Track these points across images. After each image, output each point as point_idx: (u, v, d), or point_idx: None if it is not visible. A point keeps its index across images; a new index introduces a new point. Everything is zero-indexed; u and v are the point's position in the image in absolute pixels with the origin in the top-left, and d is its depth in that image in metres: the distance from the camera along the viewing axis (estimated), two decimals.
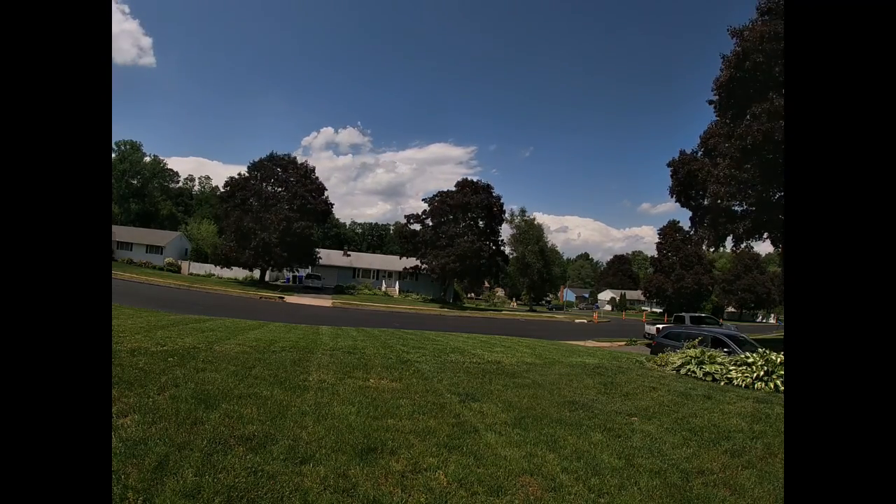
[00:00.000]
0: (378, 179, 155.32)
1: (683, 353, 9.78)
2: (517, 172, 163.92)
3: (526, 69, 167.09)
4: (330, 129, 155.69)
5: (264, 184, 40.74)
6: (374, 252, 72.34)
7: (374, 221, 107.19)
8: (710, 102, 21.09)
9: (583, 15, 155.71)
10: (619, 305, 74.57)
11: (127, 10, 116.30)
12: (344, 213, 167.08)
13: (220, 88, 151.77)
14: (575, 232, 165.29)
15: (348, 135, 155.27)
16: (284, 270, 43.51)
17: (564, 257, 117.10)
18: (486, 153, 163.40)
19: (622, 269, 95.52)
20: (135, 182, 71.32)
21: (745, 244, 22.81)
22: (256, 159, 41.63)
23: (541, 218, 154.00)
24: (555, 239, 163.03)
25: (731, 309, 77.39)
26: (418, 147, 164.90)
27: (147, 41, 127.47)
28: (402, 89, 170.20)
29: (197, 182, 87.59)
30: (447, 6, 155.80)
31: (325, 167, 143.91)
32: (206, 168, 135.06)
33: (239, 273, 41.46)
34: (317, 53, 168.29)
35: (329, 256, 49.27)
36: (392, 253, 59.76)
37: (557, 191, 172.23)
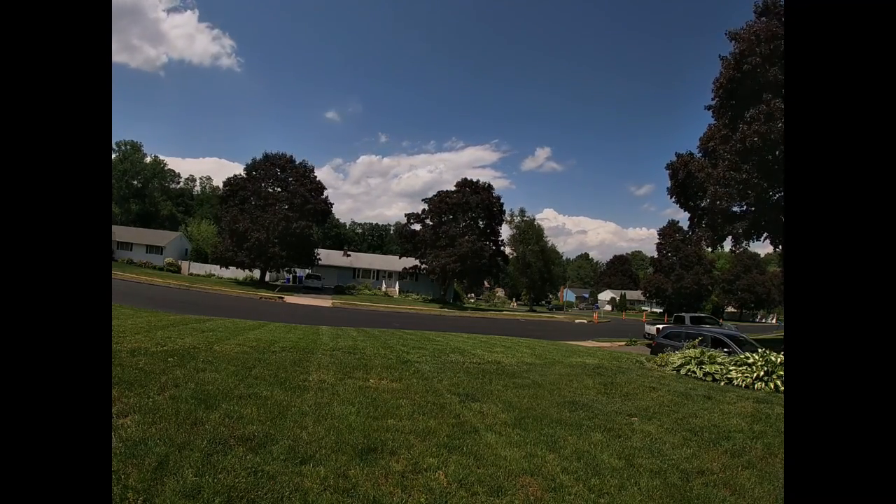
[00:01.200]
0: (412, 182, 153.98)
1: (683, 353, 9.78)
2: (542, 177, 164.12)
3: (566, 76, 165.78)
4: (380, 134, 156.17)
5: (263, 184, 40.72)
6: (374, 252, 72.33)
7: (375, 222, 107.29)
8: (709, 107, 21.16)
9: (624, 17, 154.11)
10: (619, 305, 74.55)
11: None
12: (369, 214, 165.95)
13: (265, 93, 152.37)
14: (593, 234, 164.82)
15: (389, 137, 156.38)
16: (284, 271, 43.48)
17: (580, 257, 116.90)
18: (517, 157, 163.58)
19: (622, 270, 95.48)
20: (135, 182, 71.30)
21: (743, 244, 22.82)
22: (256, 159, 41.68)
23: (563, 220, 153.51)
24: (574, 240, 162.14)
25: (731, 309, 77.40)
26: (456, 151, 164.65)
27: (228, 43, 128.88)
28: (437, 92, 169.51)
29: (198, 182, 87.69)
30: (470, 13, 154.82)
31: (368, 169, 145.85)
32: (227, 169, 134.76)
33: (239, 273, 41.46)
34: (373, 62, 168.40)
35: (329, 256, 49.26)
36: (392, 253, 59.77)
37: (581, 194, 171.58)
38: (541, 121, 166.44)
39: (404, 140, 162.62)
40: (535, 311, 53.38)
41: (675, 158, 24.03)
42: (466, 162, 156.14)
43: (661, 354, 11.00)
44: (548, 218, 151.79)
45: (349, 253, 54.31)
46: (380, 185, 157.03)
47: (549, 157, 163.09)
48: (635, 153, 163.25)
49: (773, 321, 72.31)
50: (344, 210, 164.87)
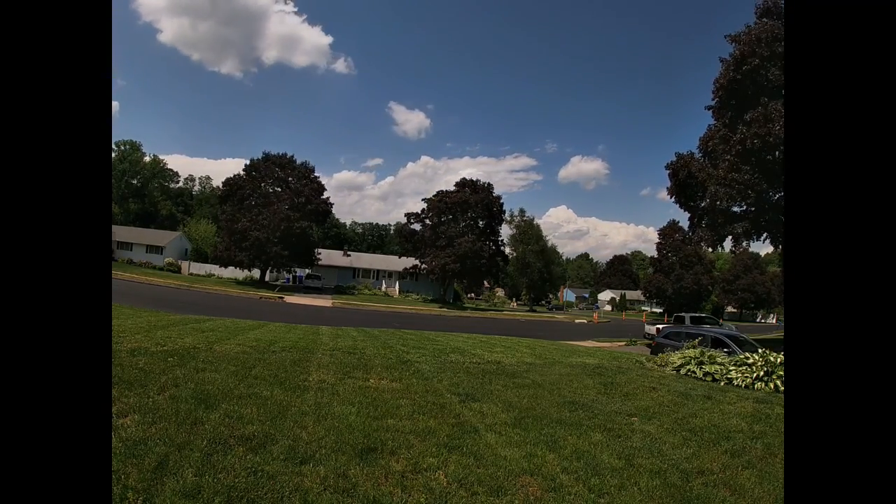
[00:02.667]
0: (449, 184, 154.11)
1: (683, 353, 9.77)
2: (571, 181, 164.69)
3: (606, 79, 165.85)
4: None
5: (262, 184, 40.71)
6: (374, 252, 72.31)
7: (375, 222, 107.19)
8: (709, 108, 21.17)
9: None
10: (619, 305, 74.55)
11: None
12: (396, 216, 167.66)
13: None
14: (615, 235, 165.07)
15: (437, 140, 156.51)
16: (284, 271, 43.47)
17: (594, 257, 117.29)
18: (552, 163, 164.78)
19: (622, 270, 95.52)
20: (135, 182, 71.30)
21: (743, 244, 22.81)
22: (255, 159, 41.63)
23: (585, 223, 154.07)
24: (593, 241, 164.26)
25: (731, 309, 77.40)
26: (496, 158, 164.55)
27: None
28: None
29: (197, 182, 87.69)
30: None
31: (413, 172, 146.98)
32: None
33: (239, 273, 41.45)
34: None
35: (329, 256, 49.24)
36: (392, 253, 59.76)
37: (606, 198, 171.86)
38: (574, 126, 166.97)
39: (448, 142, 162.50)
40: (535, 311, 53.36)
41: (675, 159, 24.04)
42: (508, 167, 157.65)
43: (661, 354, 11.00)
44: (571, 220, 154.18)
45: (349, 253, 54.32)
46: (420, 187, 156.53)
47: (582, 161, 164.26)
48: (655, 152, 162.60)
49: (773, 321, 72.33)
50: (372, 213, 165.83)
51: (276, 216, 37.21)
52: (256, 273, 40.93)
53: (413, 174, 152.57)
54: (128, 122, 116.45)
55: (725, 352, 10.22)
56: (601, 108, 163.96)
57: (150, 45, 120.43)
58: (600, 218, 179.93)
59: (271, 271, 42.60)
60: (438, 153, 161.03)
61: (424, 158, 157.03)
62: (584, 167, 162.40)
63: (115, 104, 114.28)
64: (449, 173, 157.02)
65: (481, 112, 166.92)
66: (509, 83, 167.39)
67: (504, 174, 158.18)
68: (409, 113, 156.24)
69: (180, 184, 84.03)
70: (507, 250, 50.98)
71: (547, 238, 61.94)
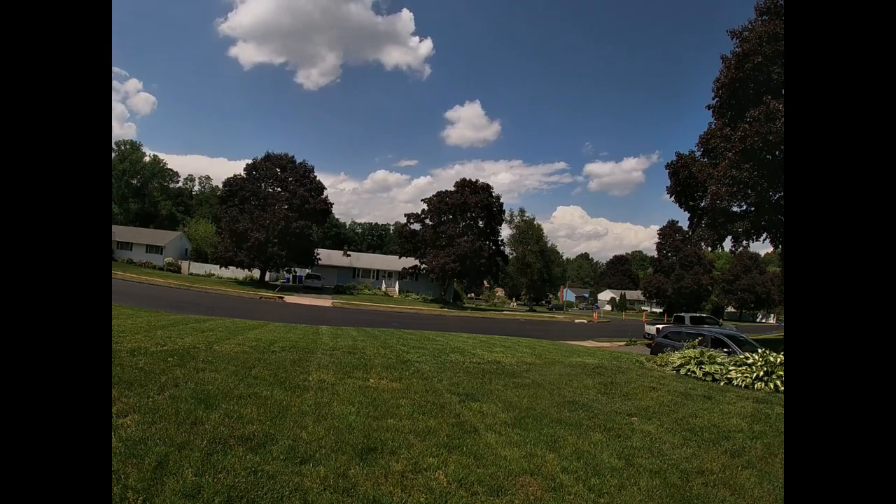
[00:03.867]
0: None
1: (683, 353, 9.77)
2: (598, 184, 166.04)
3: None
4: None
5: (262, 184, 40.69)
6: (374, 252, 72.29)
7: (375, 222, 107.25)
8: (709, 107, 21.13)
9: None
10: (619, 305, 74.56)
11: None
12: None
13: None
14: (628, 237, 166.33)
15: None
16: (283, 271, 43.45)
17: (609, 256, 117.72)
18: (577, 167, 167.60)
19: (622, 270, 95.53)
20: (134, 182, 71.22)
21: (743, 244, 22.79)
22: (256, 159, 41.61)
23: (598, 224, 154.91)
24: (610, 241, 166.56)
25: (730, 309, 77.43)
26: (528, 162, 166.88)
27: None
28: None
29: (197, 182, 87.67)
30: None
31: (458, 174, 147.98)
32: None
33: (239, 273, 41.42)
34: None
35: (329, 256, 49.24)
36: (392, 253, 59.75)
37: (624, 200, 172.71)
38: (605, 130, 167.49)
39: (497, 146, 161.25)
40: (535, 311, 53.38)
41: (675, 158, 24.03)
42: (543, 171, 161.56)
43: (660, 354, 11.00)
44: (586, 220, 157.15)
45: (349, 253, 54.29)
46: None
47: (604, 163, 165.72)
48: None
49: (773, 321, 72.35)
50: (397, 214, 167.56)
51: (276, 216, 37.19)
52: (256, 273, 40.89)
53: (459, 174, 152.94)
54: (164, 122, 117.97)
55: (725, 352, 10.22)
56: (635, 112, 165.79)
57: (209, 35, 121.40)
58: (609, 219, 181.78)
59: (271, 271, 42.57)
60: (486, 156, 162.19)
61: (476, 163, 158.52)
62: (610, 171, 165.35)
63: (153, 100, 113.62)
64: (490, 176, 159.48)
65: (518, 117, 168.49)
66: (541, 90, 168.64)
67: (539, 177, 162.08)
68: (477, 118, 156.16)
69: (180, 184, 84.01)
70: (507, 250, 51.01)
71: (547, 239, 62.06)
